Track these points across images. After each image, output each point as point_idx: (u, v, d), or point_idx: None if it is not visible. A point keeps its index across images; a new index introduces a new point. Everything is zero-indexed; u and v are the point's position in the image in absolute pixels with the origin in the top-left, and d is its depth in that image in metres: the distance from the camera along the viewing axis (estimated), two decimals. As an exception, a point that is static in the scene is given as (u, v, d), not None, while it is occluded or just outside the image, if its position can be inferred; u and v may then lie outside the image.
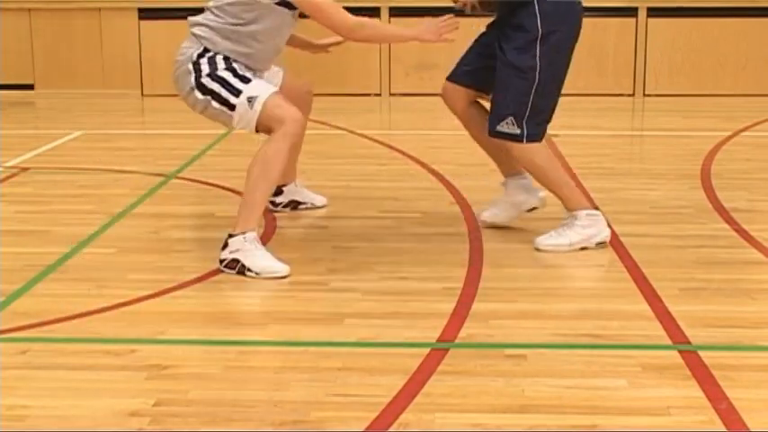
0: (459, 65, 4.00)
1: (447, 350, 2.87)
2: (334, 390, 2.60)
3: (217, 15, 3.68)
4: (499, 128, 3.76)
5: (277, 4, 3.62)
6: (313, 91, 4.31)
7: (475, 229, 4.15)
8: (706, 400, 2.51)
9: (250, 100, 3.59)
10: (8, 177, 5.33)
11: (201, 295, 3.44)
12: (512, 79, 3.73)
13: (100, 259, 3.83)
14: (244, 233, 3.57)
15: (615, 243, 3.95)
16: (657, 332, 3.01)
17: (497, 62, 3.75)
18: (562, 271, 3.75)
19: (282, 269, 3.54)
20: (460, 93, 3.98)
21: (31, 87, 9.08)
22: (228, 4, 3.66)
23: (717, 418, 2.41)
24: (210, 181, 5.11)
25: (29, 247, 4.02)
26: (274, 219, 4.31)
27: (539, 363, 2.77)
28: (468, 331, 3.02)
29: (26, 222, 4.40)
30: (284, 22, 3.72)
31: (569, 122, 7.16)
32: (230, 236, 3.59)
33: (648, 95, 8.71)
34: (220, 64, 3.66)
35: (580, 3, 3.80)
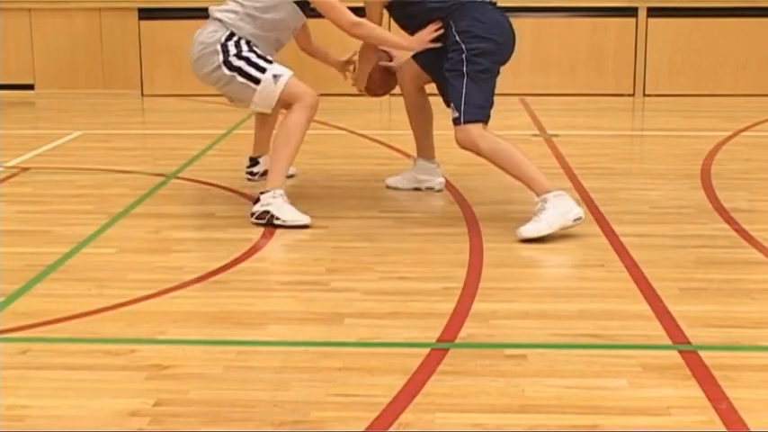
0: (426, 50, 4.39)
1: (447, 350, 2.87)
2: (334, 390, 2.59)
3: (241, 3, 4.27)
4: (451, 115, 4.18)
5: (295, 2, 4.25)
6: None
7: (475, 229, 4.15)
8: (706, 400, 2.51)
9: (275, 77, 4.18)
10: (8, 177, 5.33)
11: (201, 295, 3.44)
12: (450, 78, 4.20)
13: (100, 259, 3.83)
14: (274, 189, 4.15)
15: (615, 243, 3.95)
16: (657, 332, 3.01)
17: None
18: (562, 271, 3.75)
19: (305, 219, 4.13)
20: (414, 72, 4.58)
21: (31, 87, 9.08)
22: None
23: (717, 418, 2.41)
24: (210, 181, 5.11)
25: (29, 247, 4.02)
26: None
27: (539, 363, 2.77)
28: (468, 331, 3.02)
29: (26, 222, 4.40)
30: (293, 20, 4.35)
31: (569, 122, 7.16)
32: (262, 193, 4.17)
33: (648, 95, 8.71)
34: (244, 46, 4.22)
35: (503, 18, 4.24)
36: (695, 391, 2.57)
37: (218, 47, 4.23)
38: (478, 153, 4.15)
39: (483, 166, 4.51)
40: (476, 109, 4.10)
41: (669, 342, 2.93)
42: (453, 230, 4.15)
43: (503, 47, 4.19)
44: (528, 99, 8.34)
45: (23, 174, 5.39)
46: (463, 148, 4.18)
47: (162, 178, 5.23)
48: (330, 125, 6.77)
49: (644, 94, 8.74)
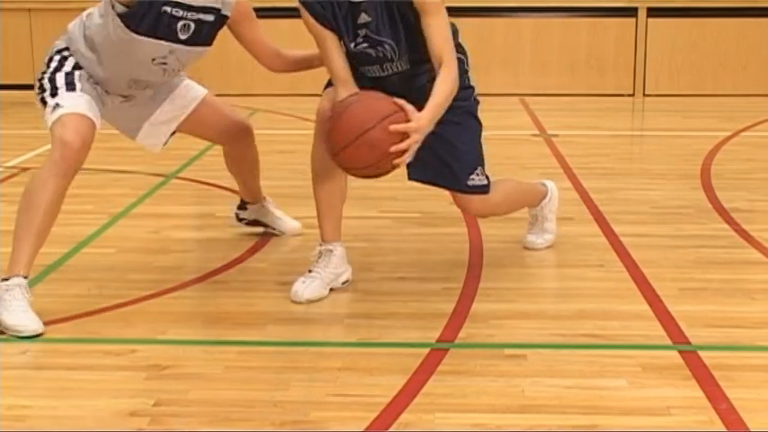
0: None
1: (447, 350, 2.87)
2: (334, 390, 2.60)
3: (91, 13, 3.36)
4: (470, 182, 3.38)
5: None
6: (251, 127, 3.82)
7: (475, 229, 4.15)
8: (706, 401, 2.51)
9: (56, 106, 3.20)
10: (8, 177, 5.33)
11: (201, 295, 3.44)
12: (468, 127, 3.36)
13: (100, 259, 3.83)
14: (6, 279, 3.06)
15: (615, 243, 3.95)
16: (657, 332, 3.01)
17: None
18: (562, 271, 3.74)
19: (32, 327, 2.97)
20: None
21: (31, 87, 9.05)
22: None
23: (717, 419, 2.41)
24: (210, 181, 5.11)
25: (29, 247, 4.01)
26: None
27: (539, 363, 2.77)
28: (468, 331, 3.02)
29: (26, 222, 4.39)
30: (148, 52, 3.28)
31: (569, 122, 7.16)
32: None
33: (648, 95, 8.72)
34: (68, 64, 3.34)
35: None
36: (695, 392, 2.57)
37: (45, 59, 3.37)
38: (495, 213, 3.68)
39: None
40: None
41: (669, 342, 2.93)
42: (453, 230, 4.15)
43: None
44: (528, 99, 8.35)
45: (23, 174, 5.39)
46: (482, 217, 3.80)
47: (161, 178, 5.23)
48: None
49: (644, 94, 8.75)
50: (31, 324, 2.98)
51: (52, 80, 3.27)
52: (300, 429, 2.39)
